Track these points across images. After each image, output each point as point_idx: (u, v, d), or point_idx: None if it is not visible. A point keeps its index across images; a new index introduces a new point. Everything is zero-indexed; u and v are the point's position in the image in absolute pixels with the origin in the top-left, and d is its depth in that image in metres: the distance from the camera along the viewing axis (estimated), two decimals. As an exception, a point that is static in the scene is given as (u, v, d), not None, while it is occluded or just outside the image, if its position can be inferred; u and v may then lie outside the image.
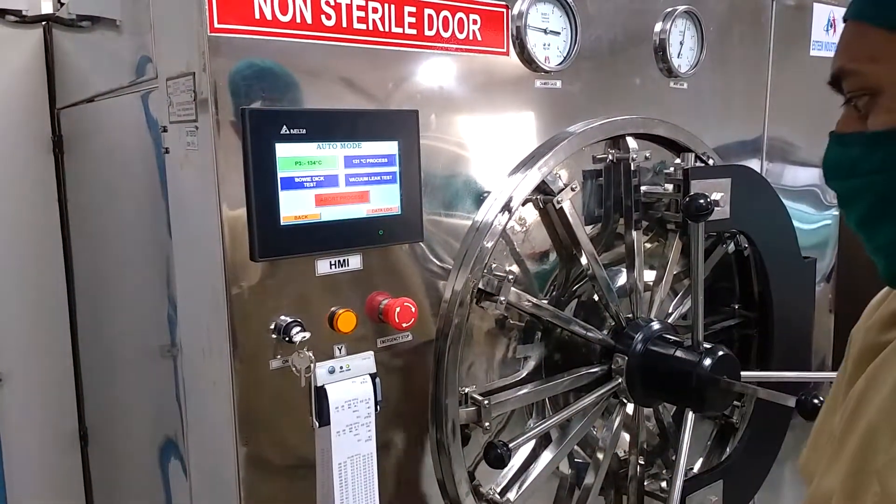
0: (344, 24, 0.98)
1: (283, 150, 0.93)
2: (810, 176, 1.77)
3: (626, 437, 1.40)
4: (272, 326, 0.96)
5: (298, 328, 0.95)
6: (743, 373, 1.29)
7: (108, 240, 1.50)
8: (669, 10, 1.36)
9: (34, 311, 1.72)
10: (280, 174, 0.93)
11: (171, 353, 1.21)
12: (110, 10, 1.31)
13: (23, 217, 1.69)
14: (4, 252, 1.68)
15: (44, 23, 1.65)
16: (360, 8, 0.99)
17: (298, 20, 0.94)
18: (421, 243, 1.09)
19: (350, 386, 1.00)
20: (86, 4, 1.45)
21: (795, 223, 1.52)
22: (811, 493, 0.70)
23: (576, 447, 1.35)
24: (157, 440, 1.36)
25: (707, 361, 1.22)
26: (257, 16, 0.91)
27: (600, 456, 1.34)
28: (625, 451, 1.42)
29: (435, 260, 1.12)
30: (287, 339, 0.95)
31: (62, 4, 1.59)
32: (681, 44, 1.39)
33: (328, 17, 0.96)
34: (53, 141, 1.68)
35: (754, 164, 1.62)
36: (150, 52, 1.10)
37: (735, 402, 1.50)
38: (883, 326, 0.69)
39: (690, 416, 1.30)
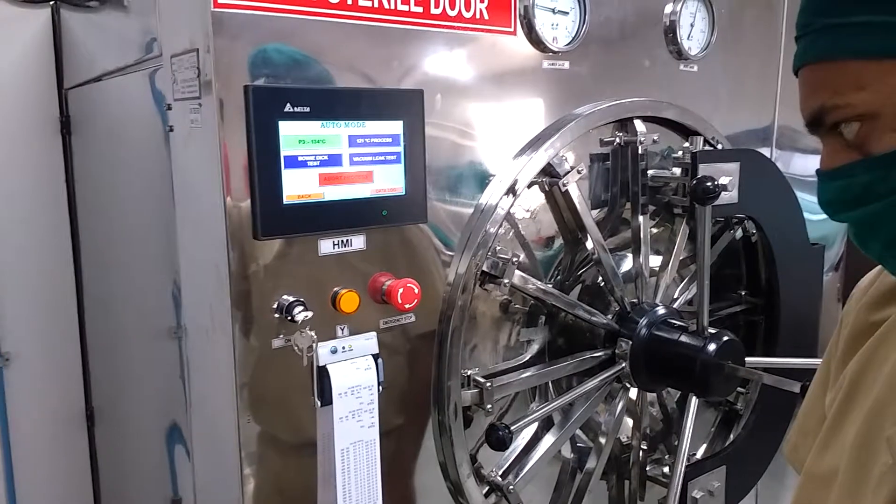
0: (349, 2, 0.97)
1: (286, 128, 0.92)
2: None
3: (629, 422, 1.40)
4: (275, 306, 0.96)
5: (301, 307, 0.95)
6: (748, 359, 1.28)
7: (115, 220, 1.51)
8: (680, -9, 1.34)
9: (42, 291, 1.73)
10: (283, 152, 0.93)
11: (176, 335, 1.21)
12: (117, -12, 1.31)
13: (31, 198, 1.69)
14: (12, 233, 1.69)
15: (51, 3, 1.65)
16: (365, -15, 0.98)
17: (303, -3, 0.93)
18: (425, 225, 1.09)
19: (353, 372, 0.99)
20: (93, -17, 1.45)
21: (804, 213, 1.50)
22: (808, 473, 0.70)
23: (578, 431, 1.35)
24: (164, 423, 1.36)
25: (711, 346, 1.22)
26: (261, -8, 0.90)
27: (603, 440, 1.33)
28: (627, 437, 1.42)
29: (439, 242, 1.12)
30: (289, 318, 0.95)
31: (69, -16, 1.59)
32: (691, 26, 1.37)
33: (333, -6, 0.96)
34: (61, 121, 1.69)
35: (764, 151, 1.60)
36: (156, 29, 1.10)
37: (740, 389, 1.50)
38: (874, 306, 0.70)
39: (694, 401, 1.29)
